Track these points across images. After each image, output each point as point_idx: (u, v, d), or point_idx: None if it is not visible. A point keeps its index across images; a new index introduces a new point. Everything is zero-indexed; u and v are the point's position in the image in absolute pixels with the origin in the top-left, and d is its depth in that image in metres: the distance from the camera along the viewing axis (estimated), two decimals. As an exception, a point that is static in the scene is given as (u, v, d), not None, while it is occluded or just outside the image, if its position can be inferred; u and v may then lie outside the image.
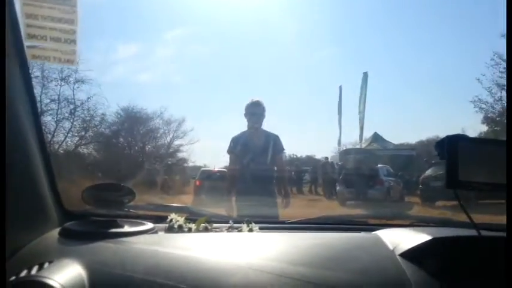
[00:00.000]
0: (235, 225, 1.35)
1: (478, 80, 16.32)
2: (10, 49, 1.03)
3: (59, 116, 14.17)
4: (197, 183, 14.64)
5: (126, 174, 13.52)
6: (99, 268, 0.96)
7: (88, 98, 14.57)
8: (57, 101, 14.00)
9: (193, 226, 1.29)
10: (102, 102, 16.65)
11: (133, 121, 18.76)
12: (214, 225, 1.34)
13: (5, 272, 0.88)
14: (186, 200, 11.63)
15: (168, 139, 21.06)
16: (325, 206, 12.23)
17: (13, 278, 0.88)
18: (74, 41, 1.12)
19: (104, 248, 1.04)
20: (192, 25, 33.42)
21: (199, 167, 18.91)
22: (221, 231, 1.31)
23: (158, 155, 20.02)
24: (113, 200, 1.24)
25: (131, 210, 1.37)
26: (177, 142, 21.24)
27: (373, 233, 1.25)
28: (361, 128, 19.17)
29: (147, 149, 19.90)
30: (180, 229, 1.28)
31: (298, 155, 27.19)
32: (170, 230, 1.28)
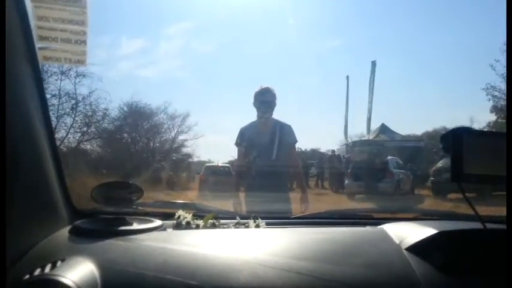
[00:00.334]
0: (242, 221, 1.37)
1: (491, 66, 16.00)
2: (22, 51, 1.06)
3: (59, 111, 13.95)
4: (202, 178, 14.77)
5: (132, 170, 13.56)
6: (110, 266, 0.98)
7: (90, 92, 14.46)
8: (57, 96, 13.69)
9: (200, 223, 1.32)
10: (105, 97, 16.61)
11: (137, 116, 18.73)
12: (222, 221, 1.36)
13: (5, 272, 0.91)
14: (192, 195, 11.69)
15: (173, 134, 21.08)
16: (333, 200, 12.07)
17: (27, 276, 0.90)
18: (84, 42, 1.15)
19: (115, 245, 1.07)
20: (197, 19, 33.45)
21: (204, 162, 19.05)
22: (228, 227, 1.34)
23: (163, 150, 20.04)
24: (121, 197, 1.26)
25: (139, 208, 1.39)
26: (181, 137, 21.26)
27: (379, 227, 1.27)
28: (369, 119, 19.15)
29: (152, 144, 19.92)
30: (188, 226, 1.31)
31: (303, 149, 27.10)
32: (178, 226, 1.31)
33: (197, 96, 35.85)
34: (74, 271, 0.92)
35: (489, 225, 1.06)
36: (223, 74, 38.15)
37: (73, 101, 14.35)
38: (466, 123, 21.58)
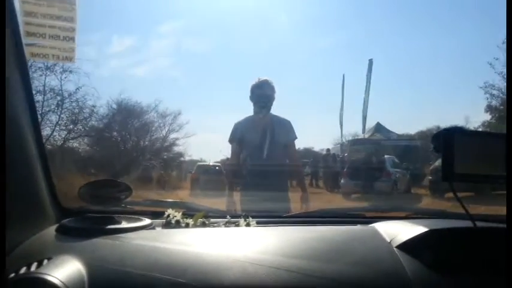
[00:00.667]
0: (232, 219, 1.39)
1: (490, 64, 16.04)
2: (9, 47, 1.05)
3: (44, 108, 13.49)
4: (193, 177, 14.87)
5: (121, 169, 13.49)
6: (98, 264, 0.98)
7: (76, 88, 13.89)
8: (42, 92, 13.27)
9: (190, 221, 1.33)
10: (92, 93, 16.32)
11: (127, 114, 18.56)
12: (212, 220, 1.38)
13: (4, 269, 0.91)
14: (183, 195, 11.67)
15: (164, 132, 20.97)
16: (329, 199, 11.98)
17: (12, 275, 0.91)
18: (72, 39, 1.15)
19: (103, 244, 1.08)
20: (188, 18, 33.45)
21: (196, 161, 19.06)
22: (218, 226, 1.35)
23: (153, 149, 19.94)
24: (109, 196, 1.27)
25: (128, 206, 1.40)
26: (172, 135, 21.15)
27: (370, 225, 1.29)
28: (365, 118, 19.18)
29: (142, 143, 19.81)
30: (177, 224, 1.32)
31: (296, 148, 27.02)
32: (168, 225, 1.32)
33: (189, 95, 35.86)
34: (61, 270, 0.93)
35: (479, 224, 1.08)
36: (215, 73, 38.36)
37: (59, 98, 13.94)
38: (461, 123, 21.81)
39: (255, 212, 1.54)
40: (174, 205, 1.46)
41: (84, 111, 14.90)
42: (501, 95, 16.23)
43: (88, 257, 1.00)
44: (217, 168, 14.78)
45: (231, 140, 3.02)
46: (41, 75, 13.08)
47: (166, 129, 20.75)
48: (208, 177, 13.47)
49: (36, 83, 12.83)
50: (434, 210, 1.76)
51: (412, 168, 14.93)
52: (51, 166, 1.25)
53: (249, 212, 1.44)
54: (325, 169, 16.38)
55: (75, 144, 15.60)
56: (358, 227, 1.33)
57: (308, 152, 25.39)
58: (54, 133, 13.94)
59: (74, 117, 14.69)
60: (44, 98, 13.40)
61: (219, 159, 17.28)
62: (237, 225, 1.35)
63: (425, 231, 1.12)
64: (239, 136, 2.97)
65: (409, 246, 1.09)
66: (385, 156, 13.72)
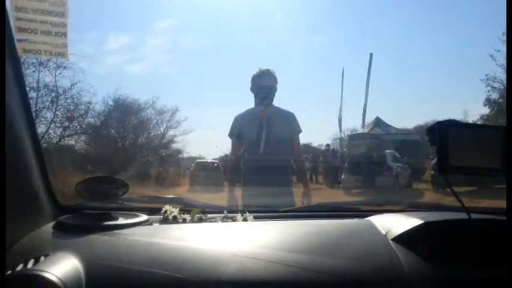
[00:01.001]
0: (229, 214, 1.40)
1: (492, 56, 15.96)
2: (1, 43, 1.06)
3: (39, 105, 13.50)
4: (192, 174, 15.10)
5: (119, 166, 13.48)
6: (95, 261, 1.00)
7: (71, 85, 14.01)
8: (36, 89, 13.27)
9: (187, 217, 1.34)
10: (87, 90, 16.20)
11: (124, 111, 18.53)
12: (209, 215, 1.39)
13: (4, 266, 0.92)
14: (181, 191, 11.69)
15: (162, 129, 21.02)
16: (330, 195, 11.96)
17: (9, 271, 0.92)
18: (64, 34, 1.15)
19: (100, 240, 1.09)
20: (184, 15, 33.43)
21: (194, 158, 19.15)
22: (215, 221, 1.36)
23: (151, 146, 19.96)
24: (106, 192, 1.28)
25: (125, 203, 1.41)
26: (170, 132, 21.20)
27: (366, 219, 1.30)
28: (364, 112, 19.24)
29: (140, 140, 19.81)
30: (174, 220, 1.33)
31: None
32: (165, 221, 1.33)
33: (186, 92, 35.90)
34: (58, 266, 0.94)
35: (474, 216, 1.09)
36: (213, 69, 38.27)
37: (53, 94, 13.94)
38: (460, 116, 21.81)
39: (254, 207, 1.55)
40: (171, 201, 1.47)
41: (79, 107, 14.85)
42: (502, 87, 16.19)
43: (85, 254, 1.01)
44: (215, 165, 15.22)
45: (230, 134, 2.93)
46: (34, 72, 13.07)
47: (164, 126, 20.81)
48: (206, 173, 13.78)
49: (30, 79, 12.77)
50: (430, 203, 1.78)
51: (412, 163, 14.94)
52: (47, 163, 1.25)
53: (248, 207, 1.45)
54: (325, 164, 16.39)
55: (72, 142, 15.55)
56: (354, 220, 1.34)
57: (307, 148, 25.37)
58: (50, 130, 13.94)
59: (69, 114, 14.63)
60: (37, 94, 13.39)
61: (217, 156, 17.47)
62: (234, 220, 1.37)
63: (421, 224, 1.13)
64: (237, 130, 2.88)
65: (405, 239, 1.11)
66: (386, 151, 13.72)
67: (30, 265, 0.95)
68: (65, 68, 13.57)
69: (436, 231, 1.15)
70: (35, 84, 13.21)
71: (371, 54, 19.49)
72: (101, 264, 0.99)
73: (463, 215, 1.08)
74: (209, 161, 16.65)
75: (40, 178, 1.21)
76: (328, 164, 15.97)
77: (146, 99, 19.80)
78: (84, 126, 15.59)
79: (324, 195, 11.85)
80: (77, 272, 0.95)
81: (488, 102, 17.55)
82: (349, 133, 20.77)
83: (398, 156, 14.13)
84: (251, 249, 1.06)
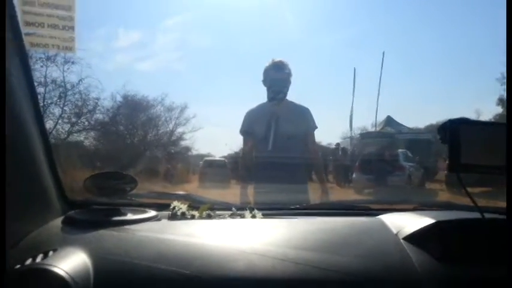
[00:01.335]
0: (238, 211, 1.40)
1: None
2: (8, 36, 1.05)
3: (46, 100, 13.41)
4: (200, 171, 15.32)
5: (127, 163, 13.55)
6: (103, 256, 1.01)
7: (79, 80, 13.95)
8: (44, 84, 13.18)
9: (196, 213, 1.35)
10: (96, 85, 16.23)
11: (133, 108, 18.56)
12: (217, 212, 1.39)
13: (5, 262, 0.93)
14: (189, 188, 11.74)
15: (170, 126, 21.03)
16: (340, 194, 11.89)
17: (18, 266, 0.93)
18: (72, 28, 1.16)
19: (108, 236, 1.10)
20: (194, 12, 33.35)
21: (203, 155, 19.26)
22: (224, 218, 1.36)
23: (160, 143, 20.01)
24: (115, 188, 1.29)
25: (134, 199, 1.42)
26: (179, 129, 21.19)
27: (377, 217, 1.30)
28: (376, 111, 19.14)
29: (149, 137, 19.86)
30: (183, 216, 1.33)
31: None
32: (173, 217, 1.33)
33: (195, 89, 35.97)
34: (66, 261, 0.95)
35: (487, 215, 1.08)
36: (222, 67, 38.23)
37: (61, 89, 13.88)
38: (472, 116, 21.54)
39: (263, 204, 1.55)
40: (180, 197, 1.48)
41: (88, 103, 14.79)
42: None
43: (93, 249, 1.02)
44: (221, 162, 15.53)
45: (241, 131, 2.82)
46: (41, 66, 13.02)
47: (173, 123, 20.82)
48: (214, 170, 14.00)
49: (38, 74, 12.73)
50: (442, 202, 1.76)
51: (424, 162, 14.77)
52: (56, 159, 1.27)
53: (257, 205, 1.45)
54: (336, 163, 16.28)
55: (80, 138, 15.56)
56: (365, 218, 1.33)
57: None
58: (58, 126, 13.89)
59: (77, 110, 14.58)
60: (45, 90, 13.34)
61: (226, 154, 17.59)
62: (242, 217, 1.37)
63: (432, 223, 1.13)
64: (247, 126, 2.78)
65: (416, 238, 1.10)
66: (399, 150, 13.58)
67: (39, 259, 0.96)
68: (72, 63, 13.54)
69: (448, 230, 1.14)
70: (42, 80, 13.19)
71: (383, 53, 19.44)
72: (109, 259, 1.00)
73: (475, 215, 1.07)
74: (217, 158, 16.85)
75: (49, 173, 1.23)
76: (339, 163, 15.87)
77: (155, 96, 19.78)
78: (92, 122, 15.53)
79: (335, 194, 11.70)
80: (85, 267, 0.96)
81: (502, 101, 17.36)
82: (359, 132, 20.66)
83: (411, 155, 13.98)
84: (259, 246, 1.06)
